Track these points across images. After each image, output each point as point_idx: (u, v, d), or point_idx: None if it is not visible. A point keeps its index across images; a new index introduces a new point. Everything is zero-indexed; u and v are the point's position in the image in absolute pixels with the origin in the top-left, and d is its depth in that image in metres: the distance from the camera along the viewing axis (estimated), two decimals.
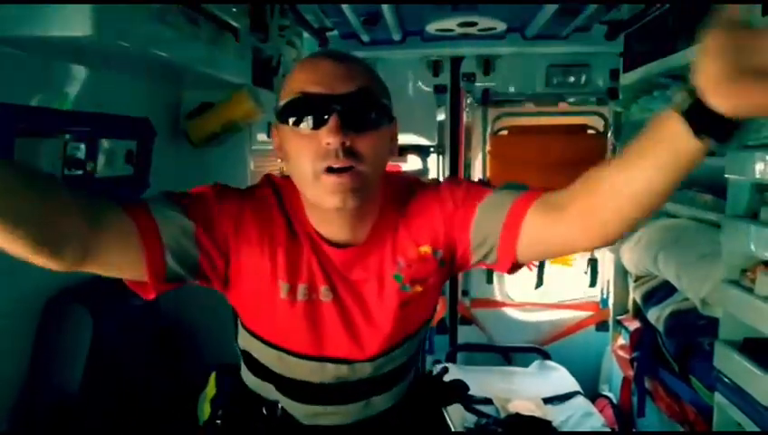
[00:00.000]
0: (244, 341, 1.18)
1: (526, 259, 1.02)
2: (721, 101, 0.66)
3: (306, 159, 0.93)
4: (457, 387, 1.44)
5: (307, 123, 0.93)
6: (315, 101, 0.92)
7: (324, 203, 0.95)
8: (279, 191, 1.07)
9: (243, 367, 1.23)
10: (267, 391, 1.18)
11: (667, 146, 0.74)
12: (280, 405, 1.17)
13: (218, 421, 1.26)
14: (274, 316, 1.07)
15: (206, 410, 1.32)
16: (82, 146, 1.63)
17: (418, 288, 1.08)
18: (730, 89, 0.65)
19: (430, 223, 1.07)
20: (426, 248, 1.07)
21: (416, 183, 1.14)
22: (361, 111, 0.94)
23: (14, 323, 1.50)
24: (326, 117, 0.91)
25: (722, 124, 0.68)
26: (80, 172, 1.63)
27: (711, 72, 0.65)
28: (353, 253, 1.05)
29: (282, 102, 0.97)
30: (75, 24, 1.19)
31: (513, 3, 2.44)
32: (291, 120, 0.95)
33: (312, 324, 1.07)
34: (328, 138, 0.91)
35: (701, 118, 0.69)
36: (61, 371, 1.54)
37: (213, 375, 1.37)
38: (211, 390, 1.34)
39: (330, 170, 0.92)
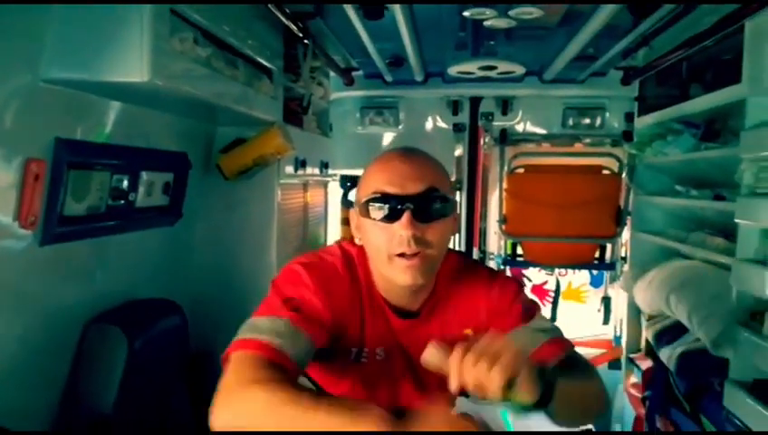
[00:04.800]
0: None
1: None
2: None
3: (382, 244, 1.14)
4: None
5: (384, 217, 1.14)
6: (391, 200, 1.13)
7: (397, 281, 1.16)
8: (351, 263, 1.25)
9: None
10: None
11: None
12: None
13: None
14: (338, 373, 1.27)
15: None
16: (126, 178, 1.74)
17: None
18: None
19: (477, 310, 1.27)
20: (469, 331, 1.25)
21: (467, 263, 1.34)
22: (428, 207, 1.14)
23: (56, 343, 1.59)
24: (400, 214, 1.12)
25: None
26: (122, 202, 1.74)
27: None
28: (410, 324, 1.25)
29: (363, 199, 1.17)
30: (134, 70, 1.31)
31: None
32: (370, 215, 1.15)
33: (365, 379, 1.26)
34: (401, 230, 1.12)
35: None
36: (96, 389, 1.62)
37: None
38: None
39: (402, 255, 1.13)
